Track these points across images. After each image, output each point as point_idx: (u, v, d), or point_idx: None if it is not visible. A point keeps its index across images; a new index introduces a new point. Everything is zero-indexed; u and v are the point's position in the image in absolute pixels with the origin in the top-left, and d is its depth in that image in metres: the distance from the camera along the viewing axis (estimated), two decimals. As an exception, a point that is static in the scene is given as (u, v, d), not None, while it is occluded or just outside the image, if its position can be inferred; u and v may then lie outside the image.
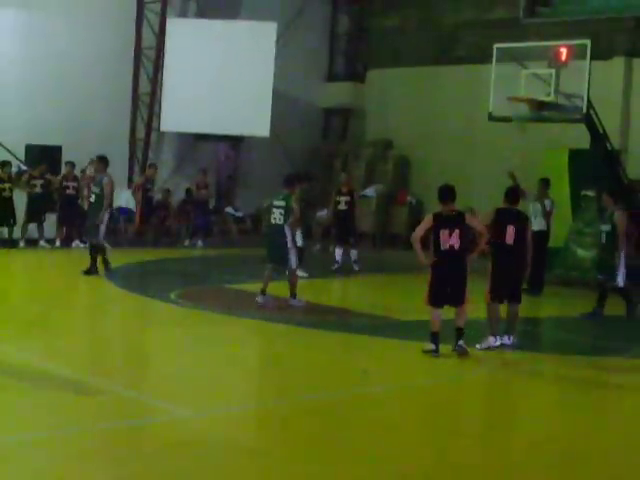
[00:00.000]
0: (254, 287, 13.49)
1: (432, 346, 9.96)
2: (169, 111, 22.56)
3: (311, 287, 14.76)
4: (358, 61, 26.86)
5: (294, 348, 10.65)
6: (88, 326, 11.74)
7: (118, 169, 21.49)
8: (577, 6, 21.66)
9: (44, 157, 19.94)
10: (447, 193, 10.18)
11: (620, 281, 13.30)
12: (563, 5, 22.03)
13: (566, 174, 18.16)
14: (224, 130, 22.72)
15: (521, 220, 10.79)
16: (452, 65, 23.78)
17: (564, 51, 16.33)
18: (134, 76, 22.63)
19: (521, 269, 10.74)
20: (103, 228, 14.99)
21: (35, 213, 19.19)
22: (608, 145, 17.73)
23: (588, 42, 16.27)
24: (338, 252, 17.71)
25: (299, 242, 14.21)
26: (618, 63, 20.80)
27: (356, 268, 17.53)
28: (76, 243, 19.44)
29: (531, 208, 15.28)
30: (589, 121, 16.80)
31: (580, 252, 16.89)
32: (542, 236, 14.96)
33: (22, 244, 18.92)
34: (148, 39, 22.64)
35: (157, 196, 21.95)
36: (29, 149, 20.28)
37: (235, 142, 24.35)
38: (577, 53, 16.36)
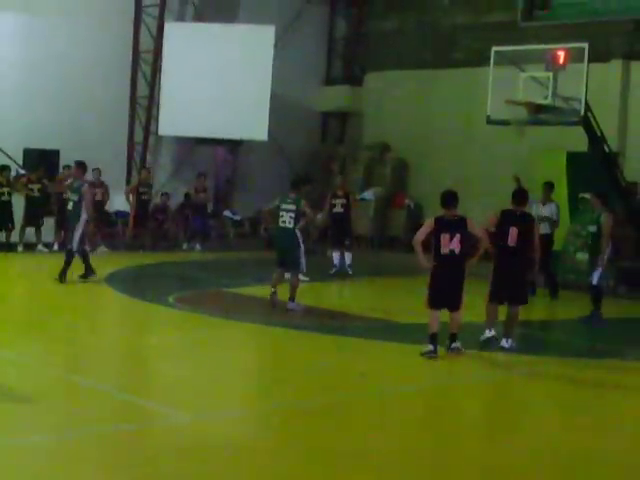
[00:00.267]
0: (252, 291, 13.51)
1: (430, 347, 9.99)
2: (167, 115, 22.54)
3: (309, 290, 14.75)
4: (356, 64, 26.86)
5: (292, 351, 10.65)
6: (86, 330, 11.72)
7: (116, 173, 21.54)
8: (575, 9, 21.65)
9: (42, 161, 19.94)
10: (450, 199, 10.23)
11: (594, 279, 13.28)
12: (561, 8, 22.01)
13: (564, 177, 18.21)
14: (222, 134, 22.70)
15: (525, 222, 10.80)
16: (450, 68, 23.77)
17: (562, 54, 16.32)
18: (132, 80, 22.60)
19: (524, 271, 10.75)
20: (78, 235, 14.51)
21: (33, 217, 19.17)
22: (606, 148, 17.73)
23: (586, 45, 16.27)
24: (335, 255, 17.70)
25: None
26: (616, 66, 20.80)
27: (350, 272, 17.51)
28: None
29: (534, 211, 15.39)
30: (587, 124, 16.80)
31: (578, 255, 16.90)
32: (547, 239, 15.11)
33: (20, 248, 18.91)
34: (146, 43, 22.61)
35: (155, 200, 21.94)
36: (27, 153, 20.27)
37: (233, 146, 24.34)
38: (575, 56, 16.35)
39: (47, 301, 13.57)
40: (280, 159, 24.19)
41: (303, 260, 12.98)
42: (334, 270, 17.51)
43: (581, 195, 17.46)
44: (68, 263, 14.51)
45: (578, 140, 17.74)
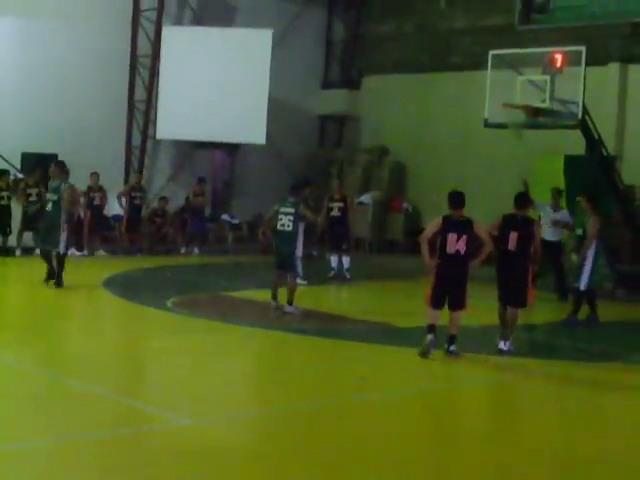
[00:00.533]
0: (250, 294, 13.49)
1: (429, 336, 10.00)
2: (165, 119, 22.56)
3: (308, 294, 14.75)
4: (354, 68, 26.89)
5: (291, 355, 10.65)
6: (85, 334, 11.71)
7: (114, 177, 21.52)
8: (572, 12, 21.68)
9: (40, 165, 19.90)
10: (457, 199, 10.33)
11: (582, 285, 13.27)
12: (558, 11, 22.05)
13: (561, 180, 18.20)
14: (220, 137, 22.72)
15: (526, 226, 10.82)
16: (447, 72, 23.81)
17: (559, 57, 16.34)
18: (130, 84, 22.61)
19: (523, 275, 10.76)
20: (64, 238, 14.34)
21: (30, 221, 19.14)
22: (603, 151, 17.76)
23: (583, 48, 16.30)
24: (333, 259, 17.69)
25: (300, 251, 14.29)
26: (613, 69, 20.84)
27: (347, 276, 17.50)
28: (72, 251, 19.35)
29: (548, 216, 15.53)
30: (584, 127, 16.82)
31: (572, 256, 16.90)
32: (555, 245, 15.27)
33: (18, 252, 18.88)
34: (144, 47, 22.63)
35: (153, 204, 21.93)
36: (25, 157, 20.24)
37: (231, 149, 24.35)
38: (572, 59, 16.37)
39: (45, 305, 13.55)
40: (278, 163, 24.21)
41: (299, 263, 13.01)
42: (332, 273, 17.51)
43: (578, 198, 17.47)
44: (61, 267, 14.47)
45: (576, 143, 17.77)
